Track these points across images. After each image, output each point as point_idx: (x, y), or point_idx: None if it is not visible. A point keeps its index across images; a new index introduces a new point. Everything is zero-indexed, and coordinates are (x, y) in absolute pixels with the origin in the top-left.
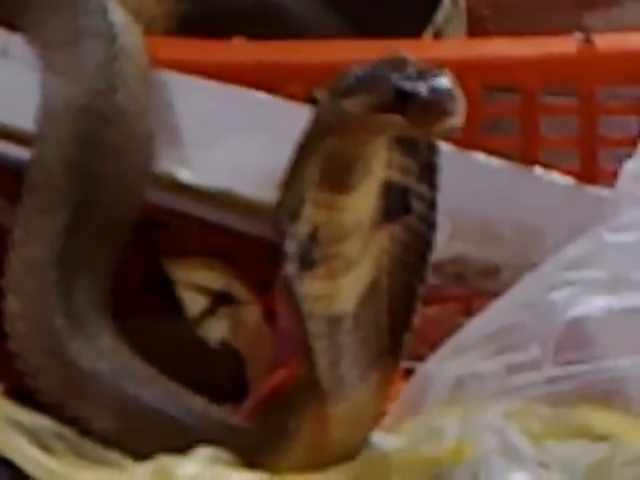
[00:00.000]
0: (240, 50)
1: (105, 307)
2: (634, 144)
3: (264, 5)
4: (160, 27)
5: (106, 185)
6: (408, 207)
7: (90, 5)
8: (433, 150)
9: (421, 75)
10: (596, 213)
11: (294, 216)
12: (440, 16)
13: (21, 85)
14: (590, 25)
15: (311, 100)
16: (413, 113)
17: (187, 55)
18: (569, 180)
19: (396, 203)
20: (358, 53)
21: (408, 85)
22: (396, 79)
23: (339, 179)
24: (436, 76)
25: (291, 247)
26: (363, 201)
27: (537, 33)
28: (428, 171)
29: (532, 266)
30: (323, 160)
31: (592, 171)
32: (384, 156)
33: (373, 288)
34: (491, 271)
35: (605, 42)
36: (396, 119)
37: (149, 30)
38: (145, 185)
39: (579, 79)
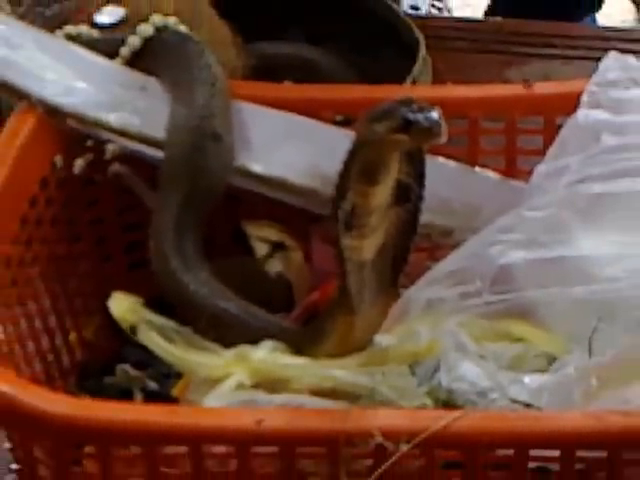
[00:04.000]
0: (290, 89)
1: (202, 254)
2: (541, 154)
3: (304, 61)
4: (238, 74)
5: (206, 176)
6: (408, 198)
7: (200, 63)
8: (423, 163)
9: (421, 109)
10: (516, 198)
11: (342, 197)
12: (416, 70)
13: (156, 110)
14: (509, 77)
15: (335, 122)
16: (415, 134)
17: (256, 92)
18: (498, 176)
19: (401, 195)
20: (364, 93)
21: (412, 116)
22: (404, 112)
23: (370, 176)
24: (430, 110)
25: (340, 216)
26: (383, 192)
27: (475, 82)
28: (420, 176)
29: (475, 230)
30: (361, 163)
31: (513, 171)
32: (397, 165)
33: (384, 245)
34: (447, 233)
35: (538, 87)
36: (404, 138)
37: (231, 76)
38: (229, 175)
39: (506, 111)
